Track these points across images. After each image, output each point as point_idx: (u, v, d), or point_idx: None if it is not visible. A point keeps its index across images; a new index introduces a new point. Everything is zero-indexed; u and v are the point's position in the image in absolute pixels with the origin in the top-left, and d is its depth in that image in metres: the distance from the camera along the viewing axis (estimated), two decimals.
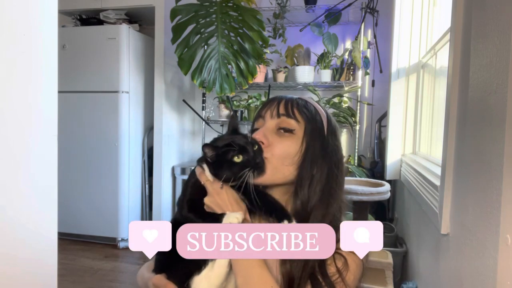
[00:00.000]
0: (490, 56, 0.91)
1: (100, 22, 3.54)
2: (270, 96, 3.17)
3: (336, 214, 0.81)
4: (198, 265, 0.76)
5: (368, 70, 3.16)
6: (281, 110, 0.81)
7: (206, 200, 0.79)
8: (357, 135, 3.17)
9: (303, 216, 0.78)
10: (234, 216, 0.75)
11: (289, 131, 0.80)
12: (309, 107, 0.83)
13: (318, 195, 0.79)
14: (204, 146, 0.78)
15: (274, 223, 0.76)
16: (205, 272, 0.76)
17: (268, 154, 0.79)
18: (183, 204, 0.84)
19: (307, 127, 0.80)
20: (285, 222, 0.74)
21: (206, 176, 0.82)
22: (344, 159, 0.89)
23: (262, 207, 0.78)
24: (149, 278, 0.84)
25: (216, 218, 0.76)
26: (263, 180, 0.79)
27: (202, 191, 0.82)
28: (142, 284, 0.89)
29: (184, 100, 3.35)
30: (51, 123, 1.25)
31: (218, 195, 0.78)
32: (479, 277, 0.93)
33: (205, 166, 0.81)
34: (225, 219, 0.75)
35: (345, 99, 3.25)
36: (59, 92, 1.30)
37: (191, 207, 0.82)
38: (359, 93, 3.18)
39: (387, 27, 2.97)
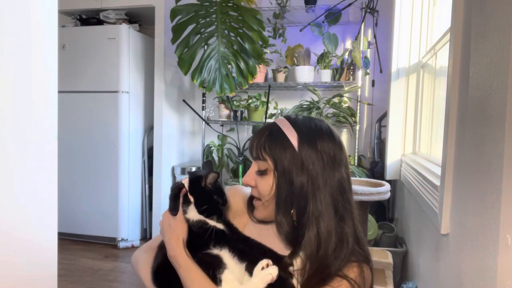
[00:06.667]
0: (490, 56, 0.91)
1: (100, 22, 3.54)
2: (270, 96, 3.19)
3: (331, 229, 0.79)
4: None
5: (368, 70, 3.16)
6: (254, 153, 0.86)
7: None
8: (357, 135, 3.17)
9: (294, 236, 0.82)
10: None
11: (263, 172, 0.85)
12: (274, 139, 0.83)
13: (303, 214, 0.80)
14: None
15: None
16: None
17: (256, 194, 0.87)
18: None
19: (275, 163, 0.83)
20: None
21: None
22: (344, 161, 0.87)
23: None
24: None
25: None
26: (260, 217, 0.88)
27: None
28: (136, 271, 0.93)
29: (184, 100, 3.35)
30: (51, 123, 1.25)
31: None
32: (479, 277, 0.93)
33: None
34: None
35: (345, 99, 3.25)
36: (59, 92, 1.30)
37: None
38: (359, 93, 3.18)
39: (387, 27, 2.97)
